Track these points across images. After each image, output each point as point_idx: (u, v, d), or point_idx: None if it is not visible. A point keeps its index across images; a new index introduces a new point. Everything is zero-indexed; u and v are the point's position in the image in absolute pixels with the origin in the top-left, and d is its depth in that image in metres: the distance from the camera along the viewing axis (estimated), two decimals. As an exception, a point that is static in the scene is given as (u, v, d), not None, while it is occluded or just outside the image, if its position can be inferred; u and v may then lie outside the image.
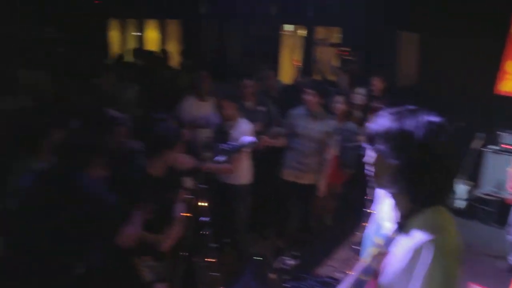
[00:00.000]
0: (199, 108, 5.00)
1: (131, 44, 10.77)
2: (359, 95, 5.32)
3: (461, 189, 6.00)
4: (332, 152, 4.66)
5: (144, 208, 2.43)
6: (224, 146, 2.64)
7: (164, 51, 8.31)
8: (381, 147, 1.51)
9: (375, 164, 1.56)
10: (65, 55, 8.87)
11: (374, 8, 6.79)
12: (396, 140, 1.48)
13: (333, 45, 6.16)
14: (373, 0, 6.81)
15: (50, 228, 2.13)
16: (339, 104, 4.97)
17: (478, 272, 4.42)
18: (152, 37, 10.80)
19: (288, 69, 7.92)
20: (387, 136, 1.50)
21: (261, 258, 3.78)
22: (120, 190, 2.28)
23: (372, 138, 1.55)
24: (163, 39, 10.42)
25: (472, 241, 5.10)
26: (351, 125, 5.08)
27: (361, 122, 5.35)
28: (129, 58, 8.49)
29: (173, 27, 10.30)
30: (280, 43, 8.37)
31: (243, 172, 4.32)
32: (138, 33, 11.07)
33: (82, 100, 5.02)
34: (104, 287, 2.38)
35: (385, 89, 5.98)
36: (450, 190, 1.55)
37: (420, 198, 1.50)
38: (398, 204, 1.58)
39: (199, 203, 2.62)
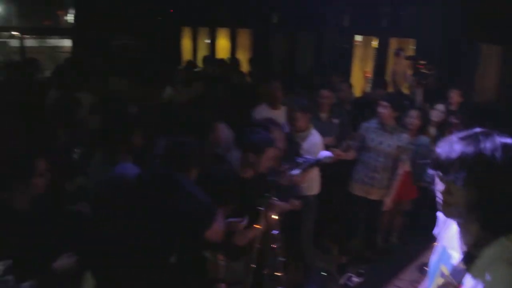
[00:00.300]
0: (271, 116, 5.01)
1: (203, 52, 11.05)
2: (437, 111, 5.09)
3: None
4: (404, 167, 4.50)
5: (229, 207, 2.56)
6: (299, 159, 2.61)
7: (233, 59, 8.44)
8: (454, 174, 1.37)
9: (446, 192, 1.42)
10: (140, 61, 9.25)
11: (452, 19, 6.53)
12: (473, 166, 1.34)
13: (409, 57, 5.94)
14: (451, 10, 6.57)
15: (154, 223, 2.28)
16: (413, 119, 4.79)
17: None
18: (223, 46, 11.03)
19: (358, 81, 7.78)
20: (461, 162, 1.36)
21: (326, 274, 3.70)
22: (210, 190, 2.37)
23: (442, 165, 1.42)
24: (234, 47, 10.61)
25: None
26: (424, 140, 4.89)
27: (435, 139, 5.14)
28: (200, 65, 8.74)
29: (244, 36, 10.46)
30: (352, 54, 8.25)
31: (313, 183, 4.26)
32: (209, 41, 11.34)
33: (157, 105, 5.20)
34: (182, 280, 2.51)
35: (463, 103, 5.71)
36: None
37: (494, 225, 1.38)
38: (467, 231, 1.46)
39: (271, 216, 2.61)
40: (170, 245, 2.40)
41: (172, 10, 11.55)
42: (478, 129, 1.41)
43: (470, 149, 1.35)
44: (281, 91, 5.07)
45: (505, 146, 1.34)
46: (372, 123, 4.64)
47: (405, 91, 6.25)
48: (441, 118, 5.08)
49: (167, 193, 2.36)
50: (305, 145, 3.92)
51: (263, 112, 5.02)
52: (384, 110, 4.44)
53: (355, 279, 4.24)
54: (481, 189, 1.34)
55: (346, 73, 7.25)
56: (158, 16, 11.43)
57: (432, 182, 4.30)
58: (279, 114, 4.89)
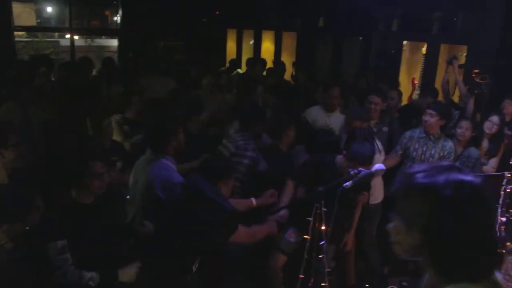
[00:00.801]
0: (325, 118, 5.06)
1: (247, 54, 11.08)
2: (491, 123, 4.87)
3: None
4: None
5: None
6: (353, 171, 2.56)
7: (278, 62, 8.39)
8: (402, 208, 1.28)
9: (394, 229, 1.32)
10: (184, 62, 9.37)
11: (510, 24, 6.27)
12: (419, 198, 1.24)
13: (462, 65, 5.73)
14: (509, 15, 6.30)
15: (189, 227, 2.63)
16: (464, 129, 4.62)
17: None
18: (267, 48, 11.02)
19: (405, 88, 7.58)
20: (408, 194, 1.28)
21: (369, 286, 3.62)
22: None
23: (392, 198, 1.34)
24: (278, 50, 10.57)
25: None
26: (473, 152, 4.69)
27: (488, 152, 4.95)
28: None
29: (289, 39, 10.41)
30: (400, 60, 8.04)
31: (376, 192, 4.24)
32: (254, 44, 11.36)
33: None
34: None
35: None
36: (491, 265, 1.25)
37: (448, 271, 1.24)
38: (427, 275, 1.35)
39: (320, 227, 2.58)
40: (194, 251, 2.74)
41: (217, 12, 11.65)
42: (444, 163, 1.33)
43: (420, 181, 1.25)
44: (339, 98, 5.18)
45: (461, 181, 1.22)
46: (416, 132, 4.54)
47: (456, 100, 6.04)
48: (494, 130, 4.88)
49: (191, 202, 2.70)
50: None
51: (317, 114, 5.11)
52: (431, 118, 4.32)
53: (399, 291, 4.13)
54: (426, 226, 1.22)
55: (393, 80, 7.06)
56: (203, 17, 11.55)
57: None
58: (335, 118, 4.94)
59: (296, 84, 7.32)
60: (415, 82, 7.74)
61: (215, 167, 3.03)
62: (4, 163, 2.86)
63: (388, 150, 4.75)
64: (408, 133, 4.61)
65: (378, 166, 2.54)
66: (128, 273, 2.60)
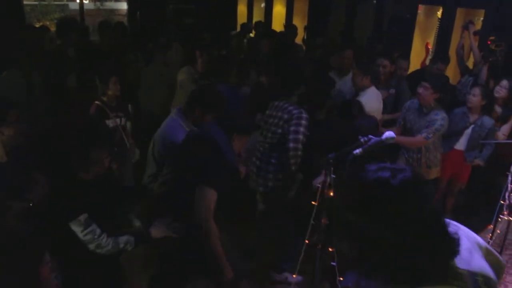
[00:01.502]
0: (338, 83, 4.98)
1: (258, 18, 10.91)
2: (500, 87, 4.83)
3: None
4: (419, 143, 4.32)
5: None
6: (363, 138, 2.57)
7: (290, 26, 8.24)
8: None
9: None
10: (195, 26, 9.27)
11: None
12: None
13: (477, 32, 5.61)
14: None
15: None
16: (475, 96, 4.58)
17: None
18: (279, 12, 10.84)
19: (418, 53, 7.45)
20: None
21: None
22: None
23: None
24: (290, 14, 10.39)
25: None
26: (487, 121, 4.67)
27: (500, 118, 4.91)
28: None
29: (301, 3, 10.22)
30: (414, 24, 7.86)
31: None
32: (265, 7, 11.18)
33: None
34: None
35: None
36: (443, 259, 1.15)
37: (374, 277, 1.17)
38: None
39: (329, 193, 2.61)
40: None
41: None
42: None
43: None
44: (351, 61, 5.11)
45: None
46: (414, 103, 4.50)
47: (470, 66, 5.94)
48: (503, 93, 4.81)
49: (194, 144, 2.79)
50: (362, 99, 4.10)
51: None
52: (424, 91, 4.27)
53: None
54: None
55: (406, 44, 6.95)
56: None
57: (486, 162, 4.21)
58: (347, 82, 4.91)
59: (308, 49, 7.24)
60: (429, 47, 7.60)
61: (234, 120, 2.98)
62: (3, 140, 2.80)
63: (395, 111, 4.84)
64: (407, 104, 4.58)
65: (388, 133, 2.53)
66: (159, 229, 2.62)
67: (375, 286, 1.20)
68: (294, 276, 3.27)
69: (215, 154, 2.67)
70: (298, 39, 8.06)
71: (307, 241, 2.85)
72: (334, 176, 2.66)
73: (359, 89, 4.38)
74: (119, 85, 4.08)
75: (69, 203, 2.35)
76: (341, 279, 3.07)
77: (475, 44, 5.56)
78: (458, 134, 4.77)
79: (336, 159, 2.57)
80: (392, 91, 4.99)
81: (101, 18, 11.07)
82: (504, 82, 4.79)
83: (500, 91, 4.80)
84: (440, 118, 4.21)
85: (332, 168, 2.65)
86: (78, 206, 2.36)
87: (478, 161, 4.76)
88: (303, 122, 3.59)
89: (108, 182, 2.73)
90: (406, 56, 5.81)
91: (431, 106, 4.32)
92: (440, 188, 5.03)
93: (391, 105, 4.99)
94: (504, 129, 4.94)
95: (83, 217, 2.34)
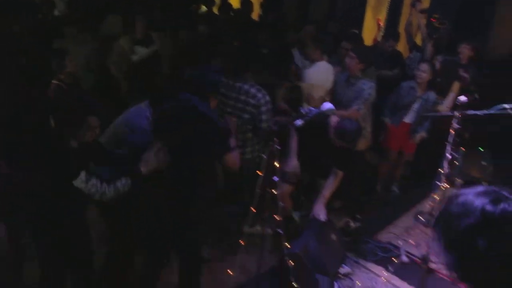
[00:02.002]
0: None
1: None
2: (421, 72, 5.02)
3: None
4: (355, 115, 4.40)
5: None
6: (303, 110, 2.73)
7: (245, 2, 8.22)
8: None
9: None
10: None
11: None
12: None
13: (423, 10, 5.86)
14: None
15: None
16: (422, 72, 4.83)
17: None
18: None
19: (370, 30, 7.66)
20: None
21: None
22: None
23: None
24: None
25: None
26: (431, 95, 4.96)
27: (439, 91, 5.19)
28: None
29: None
30: (365, 2, 8.06)
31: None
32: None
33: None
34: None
35: (474, 57, 5.68)
36: None
37: None
38: None
39: (273, 163, 2.76)
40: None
41: None
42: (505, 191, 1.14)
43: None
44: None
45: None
46: (343, 75, 4.65)
47: (418, 43, 6.20)
48: (425, 77, 4.92)
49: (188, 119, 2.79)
50: (310, 71, 4.36)
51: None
52: (350, 60, 4.46)
53: (352, 224, 4.45)
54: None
55: (358, 21, 7.16)
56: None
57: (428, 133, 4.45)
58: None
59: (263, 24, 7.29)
60: (380, 23, 7.82)
61: (204, 80, 2.98)
62: None
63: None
64: (337, 77, 4.73)
65: (328, 105, 2.71)
66: (149, 160, 2.72)
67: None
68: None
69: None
70: (255, 15, 8.09)
71: (253, 209, 3.00)
72: (278, 147, 2.80)
73: (311, 61, 4.58)
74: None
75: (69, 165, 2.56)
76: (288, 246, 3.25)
77: (422, 22, 5.79)
78: (406, 107, 5.02)
79: (279, 129, 2.72)
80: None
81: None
82: (424, 66, 4.96)
83: (421, 75, 4.90)
84: (367, 87, 4.41)
85: (275, 139, 2.79)
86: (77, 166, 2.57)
87: (421, 134, 5.03)
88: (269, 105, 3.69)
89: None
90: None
91: (358, 76, 4.50)
92: (390, 159, 5.32)
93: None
94: (447, 102, 5.23)
95: (82, 173, 2.54)
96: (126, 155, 2.98)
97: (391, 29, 6.87)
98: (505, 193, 1.12)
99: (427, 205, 4.73)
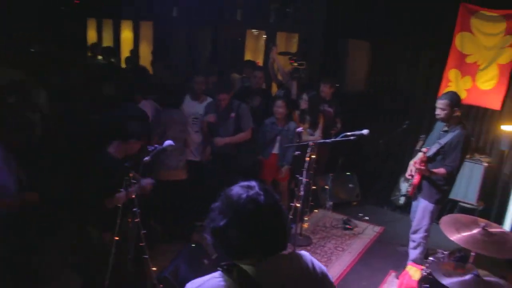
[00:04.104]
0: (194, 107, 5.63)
1: (107, 44, 11.16)
2: (303, 101, 5.82)
3: (403, 186, 6.53)
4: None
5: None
6: (150, 148, 3.14)
7: (133, 52, 8.69)
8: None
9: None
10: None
11: (331, 17, 7.24)
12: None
13: (282, 53, 6.63)
14: (330, 10, 7.26)
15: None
16: (279, 108, 5.47)
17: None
18: (127, 37, 11.20)
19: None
20: None
21: (195, 245, 4.22)
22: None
23: None
24: (137, 39, 10.82)
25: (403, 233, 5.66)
26: (292, 125, 5.55)
27: (311, 125, 5.87)
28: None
29: (147, 28, 10.70)
30: (244, 47, 8.82)
31: None
32: (114, 33, 11.44)
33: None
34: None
35: (334, 94, 6.49)
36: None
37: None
38: None
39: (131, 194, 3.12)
40: None
41: (77, 1, 11.46)
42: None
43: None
44: (203, 85, 5.68)
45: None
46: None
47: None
48: (306, 105, 5.77)
49: None
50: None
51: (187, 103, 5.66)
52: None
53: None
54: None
55: (239, 64, 7.85)
56: (62, 6, 11.27)
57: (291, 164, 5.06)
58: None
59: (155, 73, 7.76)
60: (259, 64, 8.58)
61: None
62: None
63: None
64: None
65: (168, 142, 3.17)
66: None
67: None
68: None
69: None
70: (147, 63, 8.52)
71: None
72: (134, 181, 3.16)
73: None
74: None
75: None
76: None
77: (280, 62, 6.52)
78: (272, 141, 5.61)
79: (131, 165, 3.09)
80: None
81: None
82: (304, 96, 5.75)
83: (277, 110, 5.54)
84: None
85: (131, 175, 3.15)
86: None
87: (285, 168, 5.56)
88: None
89: None
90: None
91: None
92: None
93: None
94: (317, 133, 5.91)
95: None
96: None
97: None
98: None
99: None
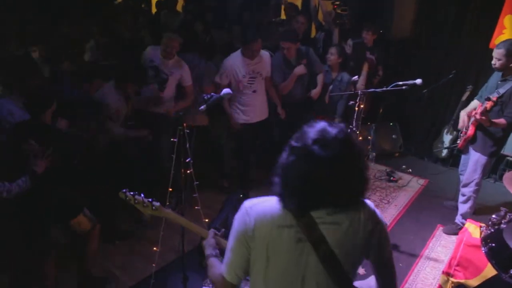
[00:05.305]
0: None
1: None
2: (330, 55, 5.46)
3: (446, 138, 6.33)
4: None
5: None
6: (206, 96, 3.01)
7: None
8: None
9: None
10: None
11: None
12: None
13: (327, -3, 6.30)
14: None
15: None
16: (332, 55, 5.25)
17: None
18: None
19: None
20: None
21: (242, 195, 4.19)
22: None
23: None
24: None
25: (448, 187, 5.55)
26: (345, 76, 5.33)
27: (354, 72, 5.63)
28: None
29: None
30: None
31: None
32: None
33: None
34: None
35: (377, 41, 6.20)
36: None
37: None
38: None
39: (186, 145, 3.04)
40: None
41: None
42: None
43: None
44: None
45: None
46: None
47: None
48: (334, 59, 5.30)
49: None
50: None
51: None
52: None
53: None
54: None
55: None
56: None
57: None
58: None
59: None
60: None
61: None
62: None
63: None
64: None
65: (225, 90, 3.05)
66: (40, 165, 3.05)
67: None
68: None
69: None
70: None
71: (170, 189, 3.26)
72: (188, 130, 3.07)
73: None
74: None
75: None
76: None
77: (323, 3, 6.21)
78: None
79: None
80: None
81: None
82: (333, 49, 5.38)
83: (329, 58, 5.33)
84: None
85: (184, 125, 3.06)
86: None
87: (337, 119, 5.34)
88: None
89: None
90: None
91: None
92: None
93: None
94: (361, 80, 5.70)
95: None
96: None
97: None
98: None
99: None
